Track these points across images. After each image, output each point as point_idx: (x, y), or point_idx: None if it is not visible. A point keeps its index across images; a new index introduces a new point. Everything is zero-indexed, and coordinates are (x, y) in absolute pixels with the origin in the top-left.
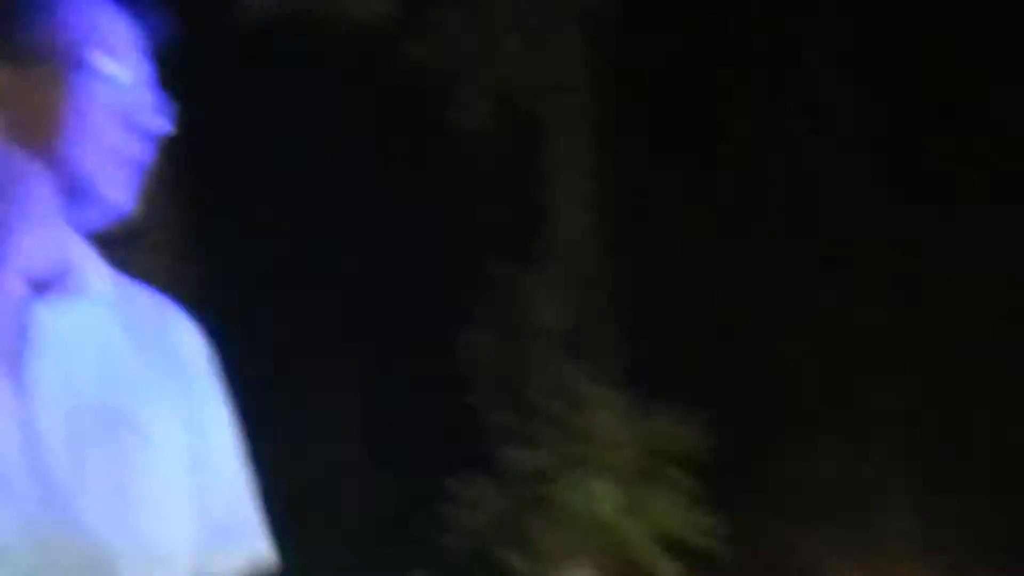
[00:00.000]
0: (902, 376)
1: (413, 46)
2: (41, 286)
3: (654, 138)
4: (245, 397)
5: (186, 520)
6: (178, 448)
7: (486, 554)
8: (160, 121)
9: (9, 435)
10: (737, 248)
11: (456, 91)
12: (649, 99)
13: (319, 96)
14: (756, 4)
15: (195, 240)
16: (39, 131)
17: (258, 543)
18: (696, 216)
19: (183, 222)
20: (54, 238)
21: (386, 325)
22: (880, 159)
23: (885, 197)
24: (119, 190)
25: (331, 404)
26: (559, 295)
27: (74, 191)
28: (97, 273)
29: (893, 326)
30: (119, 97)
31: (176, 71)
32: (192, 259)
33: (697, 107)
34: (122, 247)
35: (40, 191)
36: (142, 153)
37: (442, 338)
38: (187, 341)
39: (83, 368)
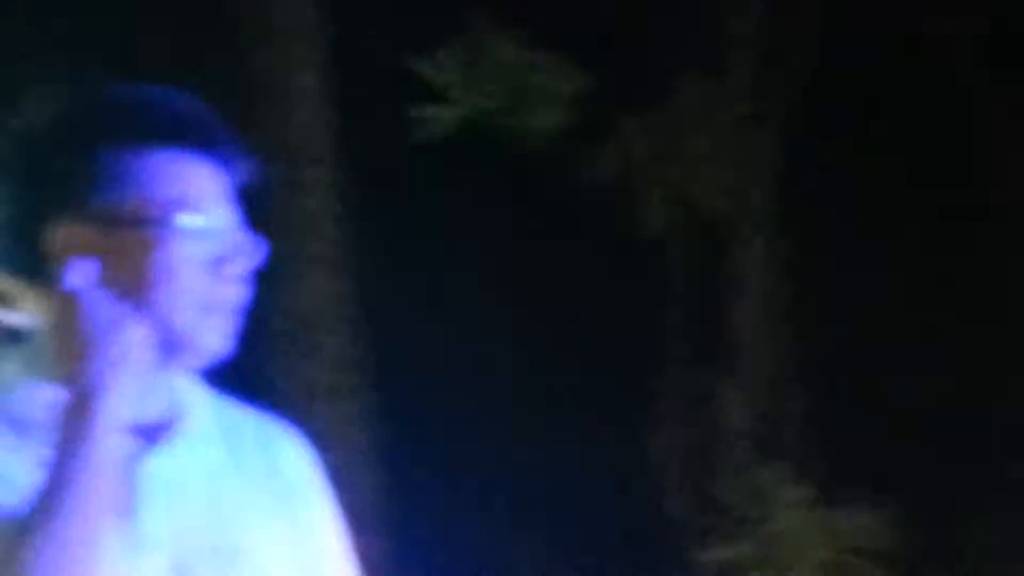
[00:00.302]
0: None
1: (595, 153)
2: (149, 434)
3: (833, 239)
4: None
5: None
6: (287, 568)
7: None
8: (250, 262)
9: None
10: (929, 339)
11: (639, 195)
12: (827, 201)
13: (499, 204)
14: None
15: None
16: (132, 288)
17: None
18: (880, 312)
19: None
20: (156, 387)
21: (570, 428)
22: None
23: None
24: (214, 337)
25: (509, 506)
26: (745, 396)
27: (170, 343)
28: (202, 410)
29: None
30: (209, 248)
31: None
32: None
33: (873, 209)
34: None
35: (138, 344)
36: (235, 297)
37: (629, 441)
38: (290, 458)
39: (193, 510)
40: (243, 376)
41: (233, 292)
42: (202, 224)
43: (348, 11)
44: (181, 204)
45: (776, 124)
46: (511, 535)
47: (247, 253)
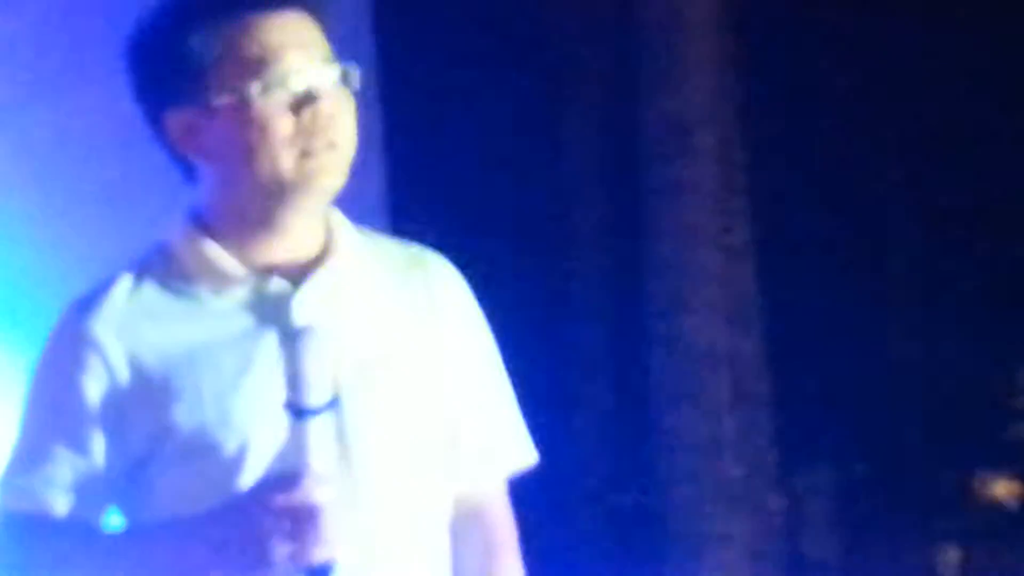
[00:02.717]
0: None
1: None
2: (302, 271)
3: None
4: None
5: (450, 446)
6: (436, 381)
7: None
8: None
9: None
10: None
11: None
12: None
13: None
14: None
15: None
16: (236, 154)
17: (517, 455)
18: None
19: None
20: (302, 228)
21: None
22: None
23: None
24: (325, 176)
25: None
26: None
27: (284, 189)
28: (351, 245)
29: None
30: (297, 95)
31: None
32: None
33: None
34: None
35: (263, 196)
36: (335, 135)
37: None
38: (440, 286)
39: (350, 329)
40: None
41: (331, 131)
42: (281, 76)
43: None
44: (259, 64)
45: None
46: None
47: (335, 90)
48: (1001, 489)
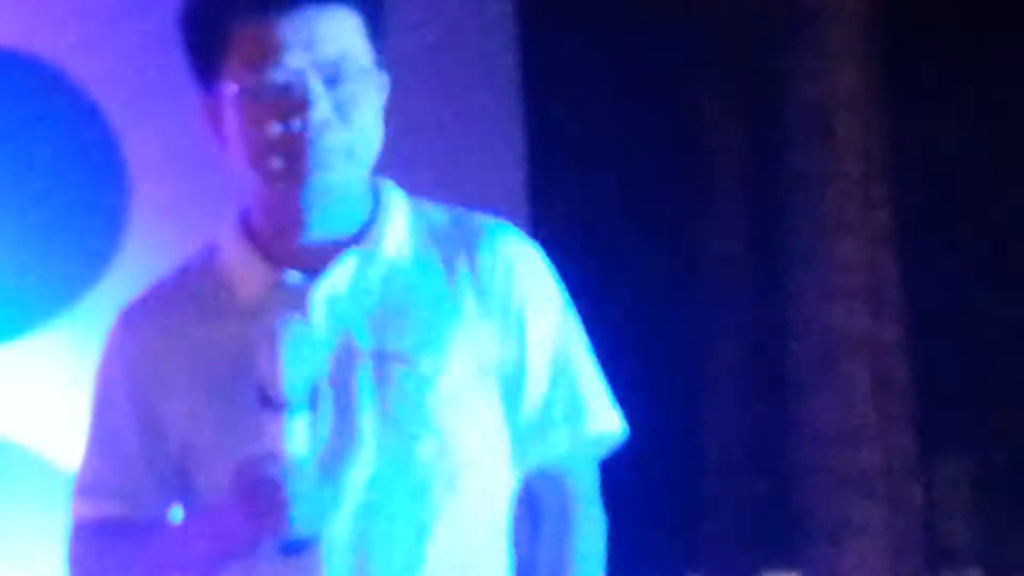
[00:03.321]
0: None
1: None
2: (345, 243)
3: None
4: None
5: (497, 415)
6: (482, 355)
7: None
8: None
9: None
10: None
11: None
12: None
13: None
14: None
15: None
16: (236, 147)
17: (586, 425)
18: None
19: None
20: (344, 201)
21: None
22: None
23: None
24: (322, 171)
25: None
26: None
27: (283, 184)
28: (398, 215)
29: None
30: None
31: None
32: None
33: None
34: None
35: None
36: (330, 129)
37: None
38: (487, 256)
39: (380, 307)
40: None
41: (324, 136)
42: (273, 78)
43: None
44: (259, 63)
45: None
46: None
47: (339, 90)
48: None
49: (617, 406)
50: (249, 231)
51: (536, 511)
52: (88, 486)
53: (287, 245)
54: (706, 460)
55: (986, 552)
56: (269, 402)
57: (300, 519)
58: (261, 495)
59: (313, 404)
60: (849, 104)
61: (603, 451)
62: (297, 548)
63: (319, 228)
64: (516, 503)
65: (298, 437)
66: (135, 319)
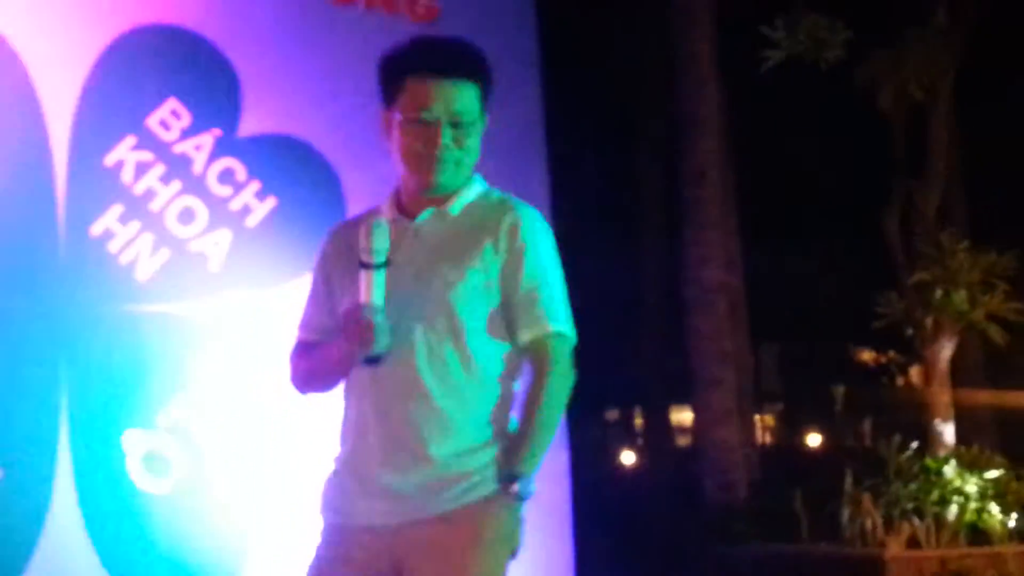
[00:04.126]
0: None
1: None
2: (432, 203)
3: None
4: None
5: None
6: (489, 274)
7: None
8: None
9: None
10: None
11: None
12: None
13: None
14: None
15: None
16: (396, 149)
17: (550, 323)
18: None
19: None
20: (426, 196)
21: None
22: None
23: None
24: (429, 174)
25: None
26: None
27: (414, 176)
28: (465, 193)
29: None
30: (431, 126)
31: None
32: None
33: None
34: None
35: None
36: (435, 151)
37: None
38: (502, 218)
39: (433, 231)
40: None
41: (436, 151)
42: (422, 116)
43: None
44: (417, 105)
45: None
46: None
47: (456, 130)
48: None
49: (571, 320)
50: (397, 199)
51: (528, 366)
52: (302, 322)
53: (412, 206)
54: (640, 346)
55: (787, 394)
56: (362, 265)
57: (377, 343)
58: (355, 328)
59: (384, 267)
60: (714, 162)
61: (567, 344)
62: (376, 360)
63: (428, 199)
64: (517, 362)
65: (377, 289)
66: (329, 233)
